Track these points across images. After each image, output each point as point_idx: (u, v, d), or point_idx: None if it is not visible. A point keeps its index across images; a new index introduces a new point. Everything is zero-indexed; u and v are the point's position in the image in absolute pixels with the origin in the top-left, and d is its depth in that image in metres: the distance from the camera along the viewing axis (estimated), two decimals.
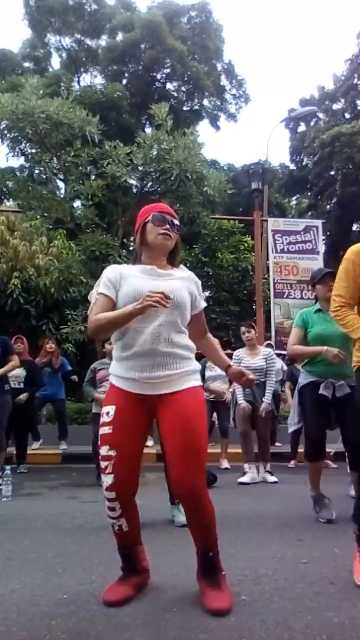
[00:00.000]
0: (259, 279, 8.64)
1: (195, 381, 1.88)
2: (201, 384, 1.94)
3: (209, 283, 11.90)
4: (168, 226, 1.93)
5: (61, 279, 8.44)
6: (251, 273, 10.95)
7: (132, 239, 16.34)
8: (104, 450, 1.79)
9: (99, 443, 1.85)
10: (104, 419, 1.82)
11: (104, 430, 1.81)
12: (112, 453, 1.77)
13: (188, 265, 11.59)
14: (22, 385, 5.26)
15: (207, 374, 5.76)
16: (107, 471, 1.77)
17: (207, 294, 12.31)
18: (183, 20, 18.81)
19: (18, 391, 5.17)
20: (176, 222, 1.97)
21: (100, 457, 1.82)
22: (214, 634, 1.53)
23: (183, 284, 1.90)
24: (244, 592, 1.85)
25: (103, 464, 1.79)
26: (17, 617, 1.65)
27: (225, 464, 5.57)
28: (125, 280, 1.85)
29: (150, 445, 5.72)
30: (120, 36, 17.88)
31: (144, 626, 1.59)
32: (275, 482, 4.48)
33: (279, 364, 6.34)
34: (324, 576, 2.02)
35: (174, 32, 17.46)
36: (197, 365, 1.92)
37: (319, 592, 1.85)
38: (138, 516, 1.88)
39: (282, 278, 8.51)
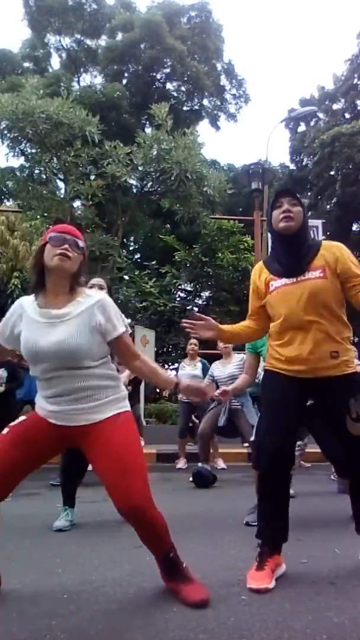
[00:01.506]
0: None
1: (119, 409, 1.82)
2: (127, 410, 1.85)
3: (209, 283, 11.91)
4: (67, 246, 1.78)
5: None
6: (251, 273, 10.96)
7: (134, 241, 16.32)
8: None
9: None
10: (11, 424, 1.84)
11: (4, 431, 1.82)
12: None
13: (188, 265, 11.62)
14: (3, 387, 5.17)
15: (179, 373, 5.77)
16: None
17: (207, 294, 12.31)
18: (183, 20, 18.84)
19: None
20: (80, 243, 1.83)
21: None
22: (214, 634, 1.53)
23: (80, 324, 1.75)
24: (244, 592, 1.85)
25: None
26: (17, 617, 1.65)
27: (221, 463, 5.57)
28: (25, 324, 1.80)
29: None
30: (120, 36, 17.90)
31: (144, 626, 1.58)
32: None
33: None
34: (324, 576, 2.02)
35: (174, 32, 17.48)
36: (120, 394, 1.86)
37: (319, 592, 1.85)
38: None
39: None
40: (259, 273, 2.22)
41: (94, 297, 1.82)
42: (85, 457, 1.83)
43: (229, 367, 4.66)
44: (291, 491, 3.57)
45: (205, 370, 5.79)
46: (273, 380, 2.10)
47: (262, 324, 2.23)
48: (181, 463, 5.65)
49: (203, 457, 4.63)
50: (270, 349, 2.16)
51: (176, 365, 11.65)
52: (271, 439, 2.03)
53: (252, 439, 3.20)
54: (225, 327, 2.26)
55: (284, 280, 2.07)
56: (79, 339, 1.73)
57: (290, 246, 2.08)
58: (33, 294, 1.86)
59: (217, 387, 4.59)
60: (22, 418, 1.87)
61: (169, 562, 1.84)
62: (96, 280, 3.41)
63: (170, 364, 11.73)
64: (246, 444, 5.76)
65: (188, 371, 5.75)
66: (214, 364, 4.95)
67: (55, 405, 1.79)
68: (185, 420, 5.87)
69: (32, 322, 1.79)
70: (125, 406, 1.86)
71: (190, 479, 4.48)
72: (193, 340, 5.98)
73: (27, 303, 1.85)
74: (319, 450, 3.09)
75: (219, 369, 4.76)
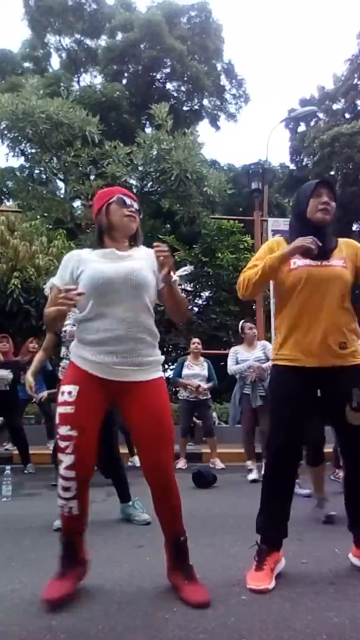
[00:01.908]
0: None
1: (159, 372, 1.91)
2: (163, 375, 1.94)
3: (209, 283, 11.89)
4: (132, 208, 1.93)
5: None
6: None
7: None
8: (63, 430, 1.76)
9: (58, 421, 1.79)
10: (65, 397, 1.79)
11: (65, 409, 1.77)
12: (74, 433, 1.74)
13: (188, 265, 11.62)
14: (8, 388, 5.16)
15: (185, 372, 5.77)
16: (67, 451, 1.74)
17: (207, 293, 12.29)
18: (183, 20, 18.85)
19: (3, 394, 5.11)
20: (137, 206, 1.96)
21: (59, 437, 1.77)
22: (214, 634, 1.53)
23: (144, 264, 1.87)
24: (244, 592, 1.85)
25: (63, 444, 1.75)
26: (17, 617, 1.65)
27: (219, 464, 5.56)
28: (85, 265, 1.85)
29: None
30: (119, 36, 17.91)
31: (144, 626, 1.59)
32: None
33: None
34: (324, 576, 2.03)
35: (174, 32, 17.49)
36: (161, 357, 1.94)
37: (319, 592, 1.85)
38: (88, 504, 1.85)
39: None
40: (278, 246, 2.16)
41: (147, 249, 1.94)
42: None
43: (256, 351, 4.83)
44: (307, 490, 3.61)
45: (210, 369, 5.81)
46: (284, 376, 2.08)
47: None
48: (181, 463, 5.64)
49: (250, 455, 4.77)
50: (279, 338, 2.11)
51: (176, 365, 11.66)
52: (279, 436, 2.03)
53: None
54: None
55: (307, 261, 2.03)
56: (145, 273, 1.85)
57: (319, 237, 2.03)
58: (89, 249, 1.94)
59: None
60: (70, 387, 1.79)
61: (178, 547, 1.84)
62: None
63: (170, 364, 11.73)
64: None
65: (197, 370, 5.79)
66: (236, 348, 4.99)
67: (104, 355, 1.78)
68: (187, 420, 5.87)
69: (95, 261, 1.85)
70: (162, 370, 1.94)
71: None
72: (196, 340, 6.03)
73: (83, 252, 1.93)
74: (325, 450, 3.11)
75: (242, 354, 4.87)
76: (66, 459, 1.75)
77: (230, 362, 4.93)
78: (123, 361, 1.79)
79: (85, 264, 1.85)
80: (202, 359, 5.93)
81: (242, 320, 5.28)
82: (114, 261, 1.84)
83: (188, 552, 1.87)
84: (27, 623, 1.61)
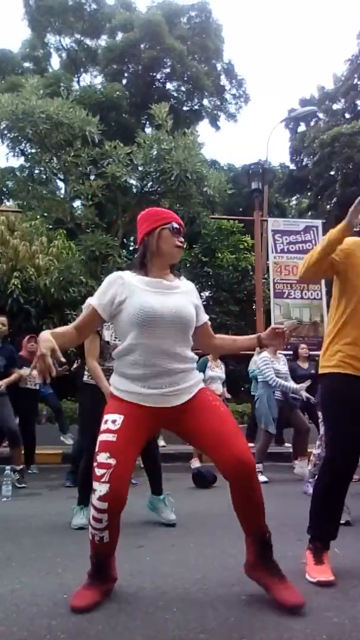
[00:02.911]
0: (259, 279, 8.65)
1: (202, 385, 1.91)
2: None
3: (209, 283, 11.90)
4: (182, 239, 1.93)
5: (61, 279, 8.43)
6: (251, 273, 10.95)
7: (134, 241, 16.19)
8: (102, 457, 1.70)
9: (97, 448, 1.74)
10: (109, 426, 1.75)
11: (107, 437, 1.73)
12: (112, 462, 1.69)
13: (188, 265, 11.61)
14: (38, 387, 5.25)
15: (208, 374, 5.77)
16: (103, 479, 1.68)
17: (207, 293, 12.29)
18: (183, 20, 18.85)
19: (33, 392, 5.22)
20: (182, 231, 1.98)
21: (97, 464, 1.72)
22: (214, 634, 1.53)
23: (188, 299, 1.88)
24: (244, 592, 1.85)
25: (100, 471, 1.69)
26: (17, 617, 1.65)
27: None
28: (130, 292, 1.81)
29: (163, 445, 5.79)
30: (119, 36, 17.91)
31: (144, 626, 1.58)
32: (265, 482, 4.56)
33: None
34: None
35: (174, 32, 17.49)
36: (200, 374, 1.96)
37: (319, 592, 1.85)
38: (119, 530, 1.80)
39: (282, 278, 8.50)
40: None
41: (189, 283, 1.99)
42: None
43: (281, 364, 5.01)
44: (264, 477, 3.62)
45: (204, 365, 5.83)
46: (345, 385, 1.99)
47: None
48: (196, 462, 5.62)
49: (298, 453, 4.80)
50: (341, 343, 2.02)
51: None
52: (342, 454, 2.01)
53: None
54: None
55: None
56: (191, 309, 1.85)
57: None
58: (131, 271, 1.91)
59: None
60: (115, 416, 1.76)
61: (264, 545, 1.78)
62: None
63: None
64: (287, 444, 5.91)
65: (218, 373, 5.86)
66: (265, 354, 4.99)
67: (152, 388, 1.78)
68: None
69: (141, 290, 1.81)
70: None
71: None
72: None
73: (126, 275, 1.88)
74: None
75: (276, 364, 4.97)
76: (101, 488, 1.68)
77: (268, 371, 4.92)
78: (172, 390, 1.79)
79: (131, 292, 1.80)
80: (219, 360, 5.95)
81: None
82: (162, 294, 1.81)
83: (272, 548, 1.81)
84: (27, 623, 1.61)
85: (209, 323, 2.04)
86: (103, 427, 1.77)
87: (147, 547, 2.43)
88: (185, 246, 2.01)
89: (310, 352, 6.02)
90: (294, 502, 3.56)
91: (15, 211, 10.21)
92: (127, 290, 1.81)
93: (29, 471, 5.07)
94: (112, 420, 1.75)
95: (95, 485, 1.70)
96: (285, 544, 2.45)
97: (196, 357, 1.92)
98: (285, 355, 5.57)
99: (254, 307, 9.51)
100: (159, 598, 1.82)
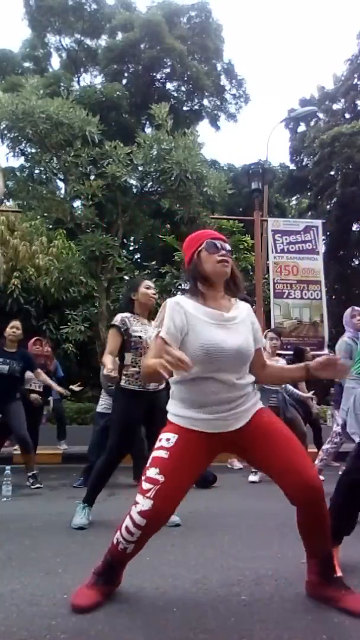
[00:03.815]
0: (259, 279, 8.64)
1: (260, 404, 1.86)
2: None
3: None
4: (224, 252, 1.84)
5: (61, 279, 8.43)
6: (251, 273, 10.94)
7: (134, 241, 16.16)
8: (152, 472, 1.68)
9: (148, 464, 1.74)
10: (162, 443, 1.73)
11: (160, 453, 1.72)
12: (160, 478, 1.66)
13: None
14: (41, 389, 5.23)
15: None
16: (148, 495, 1.65)
17: None
18: (183, 20, 18.84)
19: (39, 393, 5.20)
20: (228, 247, 1.88)
21: (145, 478, 1.70)
22: (214, 634, 1.53)
23: (248, 330, 1.83)
24: (244, 592, 1.85)
25: (146, 486, 1.67)
26: (17, 617, 1.65)
27: (237, 463, 5.61)
28: (192, 324, 1.75)
29: None
30: (119, 36, 17.90)
31: (144, 626, 1.59)
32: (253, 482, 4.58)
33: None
34: None
35: (174, 31, 17.49)
36: (258, 393, 1.89)
37: None
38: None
39: (282, 278, 8.50)
40: None
41: (245, 305, 1.91)
42: None
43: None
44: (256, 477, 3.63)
45: None
46: None
47: None
48: (237, 462, 5.67)
49: None
50: None
51: None
52: None
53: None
54: None
55: None
56: (251, 342, 1.81)
57: None
58: (187, 296, 1.86)
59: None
60: (170, 435, 1.75)
61: (327, 564, 1.77)
62: None
63: None
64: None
65: None
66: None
67: (211, 413, 1.73)
68: None
69: (202, 323, 1.76)
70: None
71: None
72: None
73: (185, 303, 1.81)
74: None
75: None
76: (144, 503, 1.66)
77: None
78: (233, 413, 1.75)
79: (194, 324, 1.75)
80: None
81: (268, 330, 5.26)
82: (223, 328, 1.77)
83: (334, 563, 1.82)
84: (27, 623, 1.61)
85: (263, 349, 1.95)
86: (157, 444, 1.75)
87: (147, 547, 2.42)
88: (232, 256, 1.89)
89: (311, 352, 6.02)
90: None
91: (15, 211, 10.22)
92: (189, 322, 1.76)
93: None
94: (166, 439, 1.74)
95: (139, 498, 1.68)
96: (285, 544, 2.45)
97: (253, 377, 1.87)
98: (285, 355, 5.57)
99: (254, 307, 9.50)
100: (159, 598, 1.82)
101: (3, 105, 7.58)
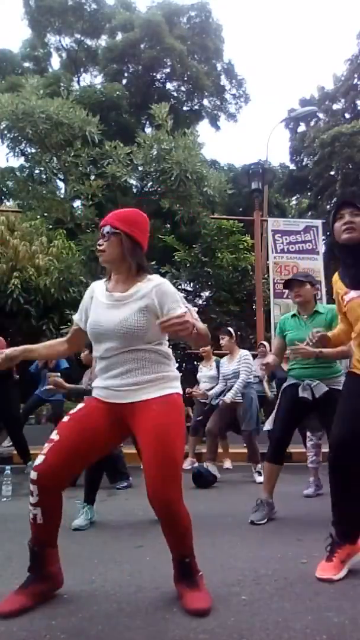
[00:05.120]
0: (259, 279, 8.65)
1: (170, 389, 1.81)
2: (177, 391, 1.84)
3: (209, 283, 11.89)
4: (100, 240, 1.86)
5: (61, 279, 8.44)
6: (251, 273, 10.94)
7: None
8: (52, 435, 1.78)
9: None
10: (71, 412, 1.86)
11: (64, 419, 1.83)
12: (56, 437, 1.75)
13: (188, 265, 11.61)
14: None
15: (198, 374, 5.84)
16: (43, 452, 1.74)
17: (207, 293, 12.29)
18: (183, 20, 18.84)
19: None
20: (106, 229, 1.84)
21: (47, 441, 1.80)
22: (214, 634, 1.53)
23: (137, 306, 1.78)
24: (244, 592, 1.85)
25: (44, 446, 1.76)
26: (17, 617, 1.65)
27: (227, 464, 5.57)
28: (92, 307, 1.89)
29: None
30: (119, 36, 17.91)
31: (144, 626, 1.59)
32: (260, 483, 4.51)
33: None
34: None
35: (174, 31, 17.49)
36: (172, 373, 1.86)
37: (319, 592, 1.85)
38: (58, 518, 1.79)
39: (282, 278, 8.47)
40: (336, 286, 2.23)
41: (153, 281, 1.83)
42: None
43: (233, 364, 4.79)
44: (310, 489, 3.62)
45: (219, 367, 5.86)
46: (352, 383, 2.15)
47: (347, 325, 2.27)
48: (187, 462, 5.61)
49: (210, 455, 4.68)
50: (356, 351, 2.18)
51: (176, 365, 11.62)
52: (339, 431, 2.06)
53: (267, 428, 3.26)
54: (330, 334, 2.41)
55: (352, 294, 2.08)
56: (136, 318, 1.77)
57: (354, 258, 2.07)
58: (104, 280, 1.97)
59: (226, 383, 4.81)
60: (81, 405, 1.88)
61: (183, 566, 1.80)
62: None
63: None
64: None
65: (205, 372, 5.88)
66: (221, 361, 5.11)
67: (108, 380, 1.82)
68: (199, 416, 5.83)
69: (98, 304, 1.87)
70: (177, 387, 1.85)
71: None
72: None
73: (97, 286, 1.95)
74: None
75: (224, 366, 4.94)
76: (38, 459, 1.74)
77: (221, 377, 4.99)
78: (123, 382, 1.79)
79: (94, 306, 1.88)
80: (213, 359, 5.98)
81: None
82: (109, 308, 1.83)
83: (195, 569, 1.81)
84: (27, 623, 1.61)
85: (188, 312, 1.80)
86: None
87: (147, 547, 2.42)
88: (116, 243, 1.84)
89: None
90: (293, 502, 3.56)
91: (15, 211, 10.21)
92: (91, 304, 1.91)
93: (26, 471, 5.06)
94: (77, 408, 1.86)
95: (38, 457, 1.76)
96: (286, 544, 2.45)
97: (163, 351, 1.85)
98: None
99: (254, 307, 9.51)
100: (159, 598, 1.82)
101: (3, 105, 7.59)
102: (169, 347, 1.91)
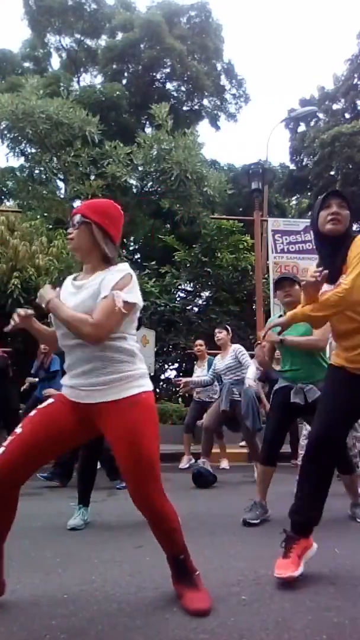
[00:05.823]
0: (259, 279, 8.64)
1: (136, 388, 1.74)
2: (145, 389, 1.77)
3: (209, 283, 11.89)
4: (70, 229, 1.86)
5: (61, 279, 8.41)
6: (251, 273, 10.94)
7: (135, 241, 16.21)
8: (17, 428, 1.76)
9: None
10: (39, 406, 1.83)
11: (31, 413, 1.80)
12: (19, 431, 1.72)
13: (188, 265, 11.61)
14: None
15: (194, 374, 5.89)
16: (4, 444, 1.70)
17: (207, 294, 12.29)
18: (182, 19, 18.85)
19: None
20: (77, 219, 1.82)
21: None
22: (214, 634, 1.53)
23: (88, 292, 1.75)
24: (244, 592, 1.85)
25: (8, 438, 1.73)
26: (17, 617, 1.65)
27: (224, 464, 5.57)
28: (62, 297, 1.86)
29: None
30: (119, 36, 17.91)
31: (144, 626, 1.59)
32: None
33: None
34: (324, 576, 2.03)
35: (174, 31, 17.49)
36: (137, 371, 1.77)
37: (319, 592, 1.85)
38: (8, 518, 1.78)
39: None
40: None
41: (111, 270, 1.78)
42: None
43: (227, 358, 4.80)
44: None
45: (210, 365, 5.85)
46: (334, 374, 2.16)
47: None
48: (184, 461, 5.62)
49: (205, 452, 4.68)
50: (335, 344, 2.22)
51: (176, 365, 11.65)
52: (322, 422, 2.06)
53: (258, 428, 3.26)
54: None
55: (325, 287, 2.06)
56: (86, 305, 1.72)
57: (333, 249, 2.05)
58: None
59: (220, 380, 4.82)
60: (50, 400, 1.85)
61: (178, 564, 1.81)
62: None
63: (170, 364, 11.73)
64: (242, 443, 5.80)
65: (199, 372, 5.90)
66: (216, 357, 5.12)
67: (73, 379, 1.78)
68: (193, 417, 5.83)
69: (64, 294, 1.87)
70: (144, 385, 1.78)
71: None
72: (198, 342, 6.09)
73: (69, 278, 1.95)
74: None
75: (218, 362, 4.95)
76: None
77: (210, 372, 5.01)
78: (86, 382, 1.73)
79: (62, 296, 1.86)
80: (206, 358, 5.98)
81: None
82: (71, 295, 1.83)
83: (190, 566, 1.82)
84: (27, 623, 1.61)
85: (106, 298, 1.70)
86: None
87: (147, 547, 2.42)
88: (83, 232, 1.81)
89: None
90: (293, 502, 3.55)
91: (15, 211, 10.21)
92: (60, 294, 1.88)
93: None
94: (47, 403, 1.83)
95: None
96: None
97: (125, 349, 1.76)
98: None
99: (254, 307, 9.51)
100: (159, 598, 1.82)
101: (3, 105, 7.58)
102: (134, 343, 1.83)
